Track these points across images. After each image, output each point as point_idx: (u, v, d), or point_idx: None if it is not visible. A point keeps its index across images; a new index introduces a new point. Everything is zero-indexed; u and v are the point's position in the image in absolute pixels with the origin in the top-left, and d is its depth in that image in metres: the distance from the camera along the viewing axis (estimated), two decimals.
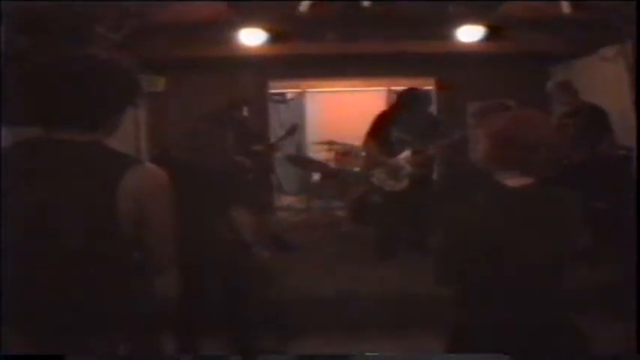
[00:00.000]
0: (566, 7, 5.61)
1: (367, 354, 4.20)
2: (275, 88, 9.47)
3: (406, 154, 5.88)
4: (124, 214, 1.78)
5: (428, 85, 8.45)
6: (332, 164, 8.18)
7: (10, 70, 3.84)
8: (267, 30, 6.65)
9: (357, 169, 7.93)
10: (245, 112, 7.08)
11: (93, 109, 1.86)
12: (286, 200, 9.23)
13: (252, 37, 6.75)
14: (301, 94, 10.62)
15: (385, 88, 10.40)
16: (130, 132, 7.48)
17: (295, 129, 7.27)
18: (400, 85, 9.26)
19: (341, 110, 10.32)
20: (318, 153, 8.63)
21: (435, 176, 5.92)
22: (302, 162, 8.76)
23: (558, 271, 2.28)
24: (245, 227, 4.34)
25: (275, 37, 6.76)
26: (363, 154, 7.71)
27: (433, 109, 7.45)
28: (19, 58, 3.86)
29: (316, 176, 9.04)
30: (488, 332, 2.23)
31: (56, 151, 1.83)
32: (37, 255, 1.78)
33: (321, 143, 8.30)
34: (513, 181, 2.25)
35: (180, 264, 2.05)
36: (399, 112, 6.03)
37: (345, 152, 7.95)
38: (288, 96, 10.55)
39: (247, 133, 6.29)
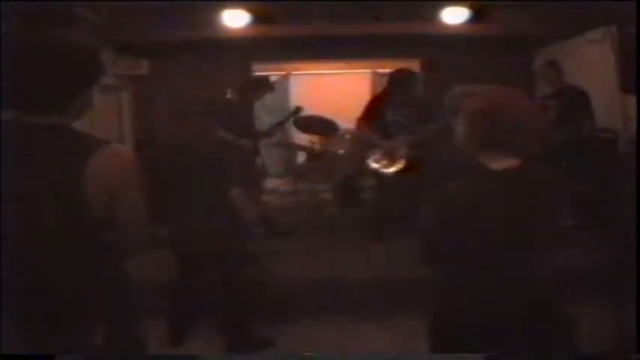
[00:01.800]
0: None
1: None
2: (259, 71, 9.39)
3: (401, 135, 5.85)
4: (93, 195, 1.76)
5: (413, 67, 8.41)
6: (317, 147, 8.13)
7: None
8: (251, 12, 6.58)
9: (341, 151, 7.90)
10: (229, 94, 7.03)
11: (57, 91, 1.84)
12: (272, 183, 9.19)
13: (235, 19, 6.68)
14: (285, 77, 10.55)
15: (370, 70, 10.36)
16: (113, 115, 7.40)
17: (299, 111, 7.20)
18: (385, 68, 9.25)
19: (325, 93, 10.27)
20: (302, 136, 8.58)
21: (429, 157, 5.88)
22: (287, 144, 8.72)
23: (543, 253, 2.26)
24: (240, 209, 4.31)
25: (259, 19, 6.70)
26: (348, 136, 7.69)
27: (421, 90, 7.41)
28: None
29: (301, 159, 9.00)
30: (473, 313, 2.22)
31: (26, 134, 1.80)
32: (9, 240, 1.75)
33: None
34: (497, 163, 2.23)
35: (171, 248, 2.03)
36: (392, 93, 5.99)
37: (329, 135, 7.90)
38: (272, 79, 10.47)
39: (235, 117, 6.24)
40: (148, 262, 3.89)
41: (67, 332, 1.82)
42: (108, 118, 7.08)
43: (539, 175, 2.27)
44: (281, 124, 7.28)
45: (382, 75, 9.57)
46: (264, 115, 8.25)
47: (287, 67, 10.27)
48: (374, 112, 6.06)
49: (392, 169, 5.90)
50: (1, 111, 1.87)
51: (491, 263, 2.18)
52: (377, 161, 6.00)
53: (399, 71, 6.09)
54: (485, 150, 2.26)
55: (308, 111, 7.51)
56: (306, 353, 4.16)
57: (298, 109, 7.15)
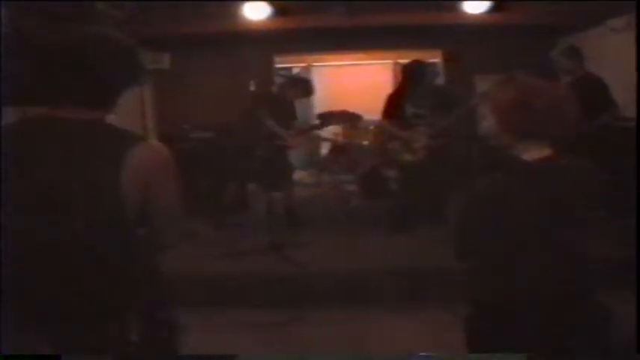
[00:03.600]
0: None
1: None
2: (281, 63, 9.40)
3: (421, 126, 5.85)
4: (129, 191, 1.76)
5: (435, 58, 8.39)
6: (340, 138, 8.14)
7: (10, 48, 3.79)
8: (272, 4, 6.59)
9: (365, 142, 7.89)
10: (252, 86, 7.06)
11: (97, 87, 1.84)
12: (296, 175, 9.21)
13: (257, 12, 6.69)
14: (307, 69, 10.55)
15: (391, 60, 10.34)
16: (135, 109, 7.45)
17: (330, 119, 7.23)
18: (406, 58, 9.20)
19: (347, 84, 10.27)
20: (326, 127, 8.58)
21: (450, 148, 5.87)
22: (311, 136, 8.73)
23: (578, 244, 2.23)
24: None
25: (280, 11, 6.70)
26: (372, 127, 7.68)
27: (441, 80, 7.38)
28: (20, 37, 3.82)
29: (325, 150, 9.01)
30: (509, 309, 2.21)
31: (60, 130, 1.80)
32: (42, 234, 1.75)
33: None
34: (529, 154, 2.20)
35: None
36: (409, 86, 5.98)
37: (353, 127, 7.90)
38: (295, 70, 10.48)
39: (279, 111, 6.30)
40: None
41: (100, 330, 1.82)
42: (130, 112, 7.13)
43: (572, 164, 2.24)
44: (311, 129, 7.35)
45: (403, 66, 9.55)
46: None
47: (309, 59, 10.27)
48: (394, 105, 6.06)
49: (413, 160, 5.89)
50: (29, 107, 1.89)
51: (527, 256, 2.16)
52: (397, 152, 6.00)
53: (414, 63, 6.08)
54: (518, 141, 2.22)
55: (330, 102, 7.52)
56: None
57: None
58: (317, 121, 7.21)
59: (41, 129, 1.82)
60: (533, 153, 2.20)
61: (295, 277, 5.01)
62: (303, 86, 6.77)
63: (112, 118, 1.90)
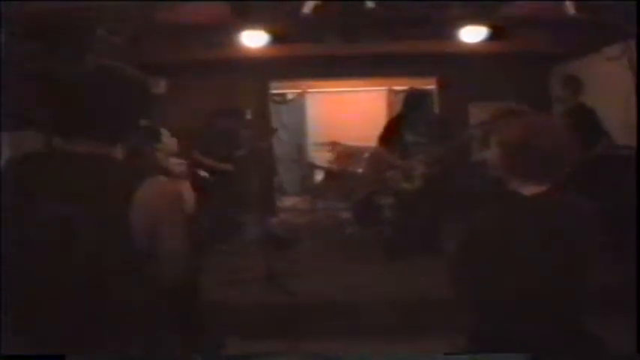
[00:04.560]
0: (569, 7, 5.56)
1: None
2: (276, 89, 9.44)
3: (419, 155, 5.87)
4: (136, 228, 1.76)
5: (429, 85, 8.43)
6: (335, 166, 8.14)
7: (9, 74, 3.79)
8: (269, 31, 6.61)
9: (360, 170, 7.90)
10: (248, 114, 7.09)
11: (107, 121, 1.84)
12: (289, 201, 9.20)
13: (253, 39, 6.72)
14: (302, 95, 10.59)
15: (386, 88, 10.39)
16: None
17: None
18: (401, 85, 9.28)
19: (342, 110, 10.30)
20: (319, 154, 8.59)
21: (448, 177, 5.90)
22: (305, 163, 8.75)
23: (573, 276, 2.24)
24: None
25: (277, 39, 6.73)
26: (366, 155, 7.69)
27: (435, 108, 7.43)
28: (19, 62, 3.82)
29: (319, 177, 9.01)
30: (503, 339, 2.21)
31: (66, 164, 1.80)
32: (48, 267, 1.74)
33: (324, 144, 8.27)
34: (527, 189, 2.23)
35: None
36: (409, 114, 6.02)
37: (347, 154, 7.91)
38: (289, 96, 10.52)
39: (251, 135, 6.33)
40: None
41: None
42: None
43: (568, 199, 2.27)
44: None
45: (398, 92, 9.60)
46: (282, 133, 8.29)
47: (303, 85, 10.30)
48: (392, 133, 6.10)
49: (410, 188, 5.91)
50: (27, 133, 1.88)
51: (523, 288, 2.18)
52: (395, 181, 6.02)
53: (414, 92, 6.12)
54: (518, 176, 2.26)
55: (325, 128, 7.55)
56: None
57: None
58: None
59: (46, 163, 1.81)
60: (531, 188, 2.23)
61: (289, 306, 4.96)
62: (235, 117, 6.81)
63: (117, 152, 1.89)
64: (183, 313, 4.47)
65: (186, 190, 3.89)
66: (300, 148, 9.59)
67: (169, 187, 1.90)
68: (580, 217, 2.24)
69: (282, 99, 10.38)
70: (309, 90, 10.49)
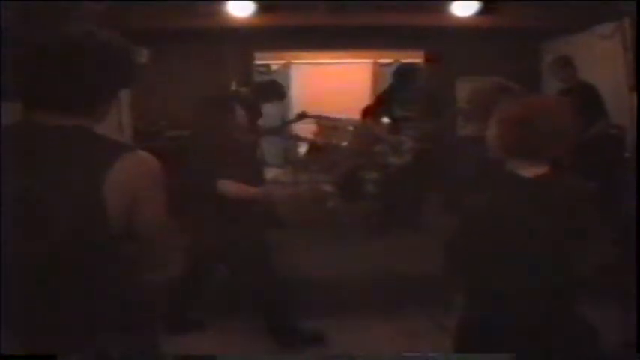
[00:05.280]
0: None
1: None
2: (260, 60, 9.31)
3: (408, 130, 5.82)
4: (114, 204, 1.66)
5: (417, 59, 8.35)
6: (318, 138, 8.05)
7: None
8: (254, 0, 6.50)
9: (344, 143, 7.82)
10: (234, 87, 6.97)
11: (83, 90, 1.72)
12: (271, 173, 9.09)
13: (238, 8, 6.60)
14: (287, 66, 10.46)
15: (372, 60, 10.27)
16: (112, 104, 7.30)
17: (304, 116, 7.15)
18: (387, 58, 9.19)
19: (327, 82, 10.20)
20: (303, 126, 8.48)
21: (436, 152, 5.86)
22: (287, 135, 8.64)
23: (572, 261, 2.19)
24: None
25: (261, 8, 6.61)
26: (351, 128, 7.61)
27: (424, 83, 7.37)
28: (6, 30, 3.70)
29: (302, 150, 8.92)
30: (497, 324, 2.18)
31: (39, 137, 1.69)
32: (21, 248, 1.64)
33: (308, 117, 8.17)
34: (527, 170, 2.17)
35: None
36: (397, 88, 5.96)
37: (331, 126, 7.81)
38: (273, 67, 10.39)
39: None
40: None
41: (78, 344, 1.73)
42: None
43: (568, 181, 2.23)
44: (284, 126, 7.24)
45: (384, 65, 9.51)
46: (266, 106, 8.16)
47: (288, 56, 10.18)
48: (380, 106, 6.05)
49: (398, 163, 5.87)
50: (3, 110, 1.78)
51: (519, 273, 2.14)
52: (382, 155, 5.97)
53: (403, 65, 6.07)
54: (517, 157, 2.20)
55: (309, 100, 7.46)
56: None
57: (303, 114, 7.09)
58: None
59: (20, 136, 1.71)
60: (530, 169, 2.17)
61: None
62: (277, 90, 6.66)
63: (95, 125, 1.79)
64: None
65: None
66: (283, 120, 9.47)
67: (148, 162, 1.78)
68: (579, 198, 2.19)
69: (267, 69, 10.24)
70: (294, 61, 10.37)
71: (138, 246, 1.83)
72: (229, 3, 6.44)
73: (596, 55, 6.49)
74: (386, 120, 6.00)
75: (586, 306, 2.28)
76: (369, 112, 6.19)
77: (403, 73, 6.06)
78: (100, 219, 1.65)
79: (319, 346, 4.28)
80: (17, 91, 1.75)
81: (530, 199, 2.14)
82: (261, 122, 6.62)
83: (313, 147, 8.08)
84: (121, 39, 1.80)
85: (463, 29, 7.08)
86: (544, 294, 2.15)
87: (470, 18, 6.69)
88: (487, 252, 2.15)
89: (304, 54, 9.92)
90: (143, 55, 7.36)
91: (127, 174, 1.68)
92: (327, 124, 7.61)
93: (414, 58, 8.33)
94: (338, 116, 7.37)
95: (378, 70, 10.14)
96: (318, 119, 7.24)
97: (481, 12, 6.56)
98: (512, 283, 2.14)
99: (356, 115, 6.73)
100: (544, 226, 2.11)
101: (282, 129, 7.23)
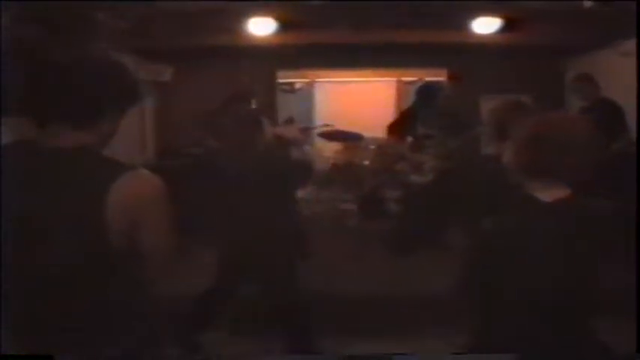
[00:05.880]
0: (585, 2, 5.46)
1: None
2: (283, 78, 9.34)
3: (431, 148, 5.79)
4: (115, 224, 1.66)
5: (440, 77, 8.33)
6: (340, 156, 8.04)
7: (11, 60, 3.70)
8: (277, 19, 6.51)
9: (366, 162, 7.79)
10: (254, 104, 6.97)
11: (85, 108, 1.74)
12: None
13: (261, 26, 6.62)
14: (310, 84, 10.46)
15: (396, 78, 10.24)
16: (135, 122, 7.36)
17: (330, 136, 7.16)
18: (411, 76, 9.16)
19: (350, 101, 10.17)
20: (326, 144, 8.47)
21: (458, 171, 5.81)
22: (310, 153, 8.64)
23: (586, 283, 2.12)
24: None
25: (285, 26, 6.63)
26: (373, 147, 7.58)
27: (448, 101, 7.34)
28: (21, 47, 3.73)
29: (325, 167, 8.90)
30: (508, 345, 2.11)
31: (43, 156, 1.71)
32: (21, 268, 1.66)
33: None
34: (546, 194, 2.09)
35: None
36: (421, 106, 5.94)
37: (355, 144, 7.80)
38: (297, 86, 10.40)
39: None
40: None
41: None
42: (130, 125, 7.04)
43: (590, 207, 2.14)
44: (308, 130, 7.23)
45: (408, 83, 9.47)
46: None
47: (311, 75, 10.19)
48: (403, 124, 6.04)
49: (419, 182, 5.83)
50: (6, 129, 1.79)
51: (535, 298, 2.08)
52: (404, 173, 5.94)
53: (426, 84, 6.05)
54: (535, 178, 2.12)
55: (332, 119, 7.45)
56: None
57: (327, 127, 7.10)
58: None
59: (23, 155, 1.72)
60: (549, 192, 2.09)
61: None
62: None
63: (101, 147, 1.80)
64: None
65: None
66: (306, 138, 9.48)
67: (149, 181, 1.78)
68: (601, 225, 2.11)
69: (290, 88, 10.25)
70: (318, 79, 10.37)
71: (139, 263, 1.82)
72: (251, 20, 6.45)
73: (618, 72, 6.40)
74: (409, 138, 5.96)
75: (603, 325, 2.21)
76: (392, 130, 6.16)
77: (426, 91, 6.05)
78: (100, 239, 1.65)
79: None
80: (20, 108, 1.76)
81: (546, 225, 2.07)
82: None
83: (336, 164, 8.06)
84: (120, 61, 1.82)
85: (485, 47, 7.04)
86: (557, 317, 2.08)
87: (493, 36, 6.65)
88: (504, 277, 2.08)
89: (328, 72, 9.93)
90: (167, 73, 7.43)
91: (127, 193, 1.67)
92: (351, 142, 7.61)
93: (438, 76, 8.30)
94: (361, 134, 7.37)
95: (402, 88, 10.08)
96: (338, 136, 7.23)
97: (503, 29, 6.51)
98: (526, 307, 2.09)
99: (380, 134, 6.70)
100: (558, 253, 2.04)
101: (303, 135, 7.18)
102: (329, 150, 8.37)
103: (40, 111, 1.74)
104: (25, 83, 1.75)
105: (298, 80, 10.23)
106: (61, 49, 1.75)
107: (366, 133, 7.39)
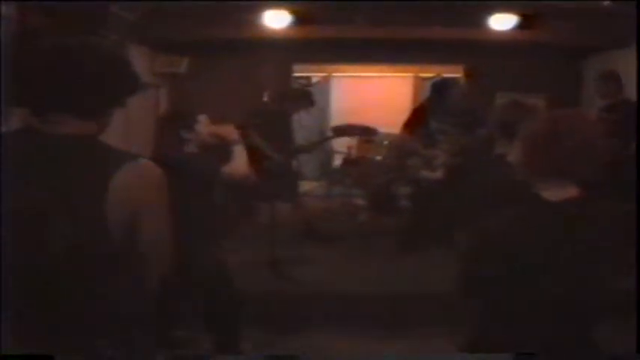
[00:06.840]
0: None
1: None
2: (300, 72, 9.32)
3: (443, 144, 5.76)
4: (115, 214, 1.64)
5: (456, 73, 8.28)
6: (353, 151, 8.03)
7: (22, 49, 3.72)
8: (293, 12, 6.50)
9: (379, 157, 7.77)
10: (266, 98, 6.97)
11: (89, 101, 1.72)
12: (306, 185, 9.06)
13: (277, 19, 6.61)
14: (326, 79, 10.45)
15: (412, 74, 10.20)
16: (150, 112, 7.37)
17: (344, 131, 7.14)
18: (428, 72, 9.12)
19: (367, 96, 10.15)
20: (341, 139, 8.46)
21: (470, 168, 5.77)
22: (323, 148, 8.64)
23: (591, 286, 2.07)
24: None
25: (302, 20, 6.61)
26: (386, 142, 7.56)
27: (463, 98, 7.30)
28: (33, 38, 3.75)
29: (337, 162, 8.89)
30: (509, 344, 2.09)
31: (43, 145, 1.68)
32: (21, 258, 1.64)
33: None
34: (553, 193, 2.03)
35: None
36: (435, 102, 5.92)
37: (368, 140, 7.78)
38: (314, 80, 10.39)
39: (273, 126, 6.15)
40: None
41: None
42: (145, 116, 7.05)
43: (600, 208, 2.06)
44: (320, 143, 7.24)
45: (424, 79, 9.44)
46: (304, 118, 8.14)
47: (328, 69, 10.18)
48: (418, 119, 6.01)
49: (430, 177, 5.80)
50: (10, 118, 1.79)
51: (539, 298, 2.03)
52: (415, 168, 5.91)
53: (442, 79, 6.03)
54: (542, 177, 2.05)
55: (348, 114, 7.43)
56: None
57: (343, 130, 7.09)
58: (330, 134, 7.12)
59: (23, 143, 1.70)
60: (557, 192, 2.03)
61: (295, 295, 4.86)
62: (304, 99, 6.61)
63: (123, 120, 1.79)
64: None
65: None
66: (322, 133, 9.46)
67: (151, 171, 1.76)
68: (611, 225, 2.05)
69: (307, 82, 10.24)
70: (334, 74, 10.36)
71: (139, 255, 1.80)
72: (267, 13, 6.44)
73: (634, 72, 6.30)
74: (422, 133, 5.94)
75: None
76: (406, 126, 6.14)
77: (440, 86, 6.03)
78: (101, 229, 1.64)
79: None
80: (21, 96, 1.76)
81: (553, 225, 2.01)
82: (300, 134, 6.60)
83: (348, 160, 8.06)
84: (121, 50, 1.82)
85: (503, 44, 6.98)
86: (561, 318, 2.05)
87: (510, 33, 6.60)
88: (506, 275, 2.03)
89: (344, 67, 9.91)
90: (182, 65, 7.44)
91: (129, 183, 1.65)
92: (364, 138, 7.60)
93: (455, 72, 8.26)
94: (377, 129, 7.35)
95: (419, 83, 10.04)
96: (352, 132, 7.21)
97: (521, 26, 6.46)
98: (529, 306, 2.06)
99: (395, 129, 6.67)
100: (565, 255, 1.99)
101: (317, 145, 7.18)
102: (343, 145, 8.37)
103: (41, 99, 1.72)
104: (27, 71, 1.75)
105: (315, 74, 10.24)
106: (64, 38, 1.74)
107: (381, 129, 7.37)
